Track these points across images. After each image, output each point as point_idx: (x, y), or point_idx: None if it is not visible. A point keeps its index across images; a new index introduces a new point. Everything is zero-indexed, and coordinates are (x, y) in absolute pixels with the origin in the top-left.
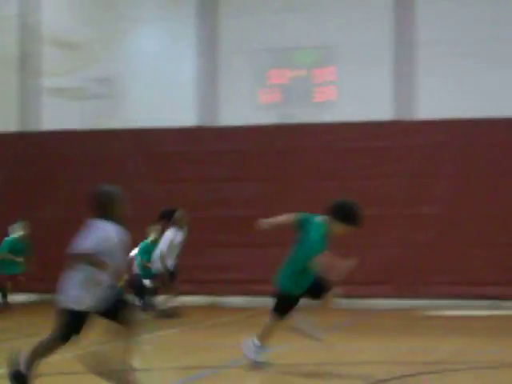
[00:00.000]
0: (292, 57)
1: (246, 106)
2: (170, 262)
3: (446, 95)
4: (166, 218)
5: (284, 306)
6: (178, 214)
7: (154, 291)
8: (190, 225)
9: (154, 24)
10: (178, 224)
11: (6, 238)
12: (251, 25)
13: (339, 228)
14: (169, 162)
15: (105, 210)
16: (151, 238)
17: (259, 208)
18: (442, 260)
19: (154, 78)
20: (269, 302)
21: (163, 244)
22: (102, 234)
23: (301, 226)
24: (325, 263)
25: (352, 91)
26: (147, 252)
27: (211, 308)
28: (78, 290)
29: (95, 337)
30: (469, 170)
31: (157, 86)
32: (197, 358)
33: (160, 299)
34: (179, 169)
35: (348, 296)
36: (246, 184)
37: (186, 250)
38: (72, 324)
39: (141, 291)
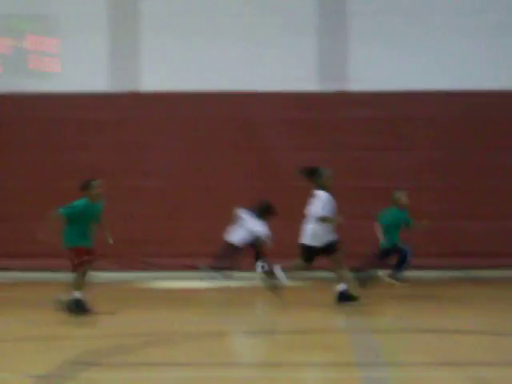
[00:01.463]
0: (14, 24)
1: None
2: None
3: (172, 68)
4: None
5: None
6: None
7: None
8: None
9: None
10: None
11: None
12: None
13: None
14: None
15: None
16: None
17: None
18: (164, 233)
19: None
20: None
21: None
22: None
23: None
24: None
25: (74, 62)
26: None
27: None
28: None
29: None
30: (192, 144)
31: None
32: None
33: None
34: None
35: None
36: None
37: None
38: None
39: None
